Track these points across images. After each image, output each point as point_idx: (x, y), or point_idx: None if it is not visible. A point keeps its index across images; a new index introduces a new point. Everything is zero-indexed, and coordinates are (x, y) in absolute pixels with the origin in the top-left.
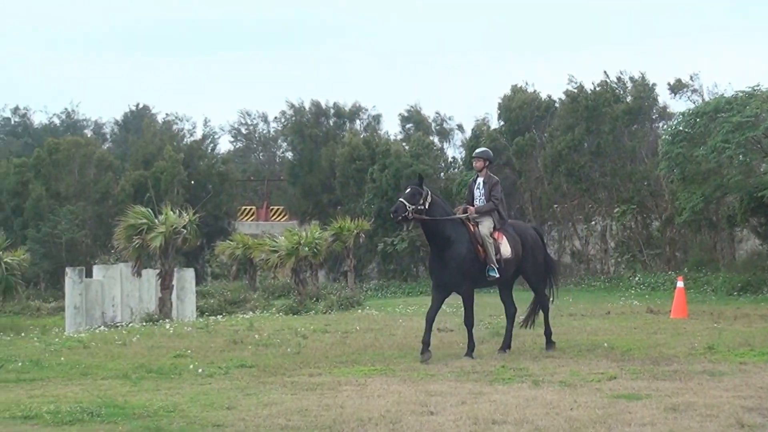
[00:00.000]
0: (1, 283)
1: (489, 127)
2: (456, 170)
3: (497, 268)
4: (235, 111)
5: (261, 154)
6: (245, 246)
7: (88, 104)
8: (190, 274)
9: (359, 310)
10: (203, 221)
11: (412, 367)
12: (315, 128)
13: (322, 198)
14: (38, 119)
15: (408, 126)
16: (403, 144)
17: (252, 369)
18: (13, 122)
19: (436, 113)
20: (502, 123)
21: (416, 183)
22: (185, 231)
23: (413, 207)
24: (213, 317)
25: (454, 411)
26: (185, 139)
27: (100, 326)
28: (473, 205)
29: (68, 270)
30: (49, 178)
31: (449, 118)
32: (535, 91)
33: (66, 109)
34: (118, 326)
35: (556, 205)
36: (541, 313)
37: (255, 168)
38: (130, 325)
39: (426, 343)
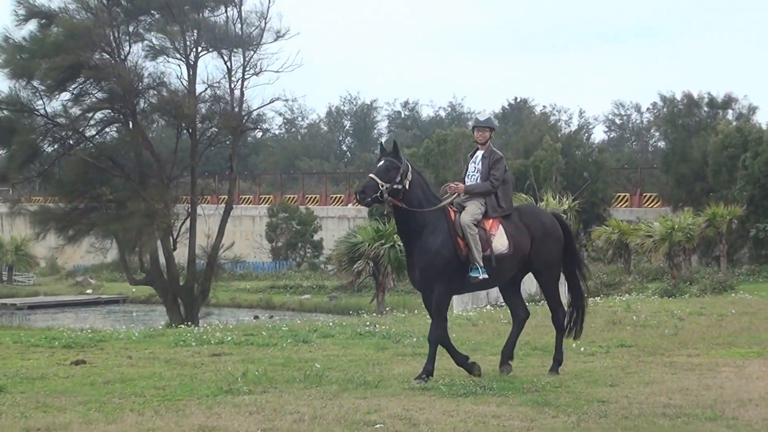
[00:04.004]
0: (395, 263)
1: None
2: None
3: (485, 268)
4: (609, 102)
5: (634, 143)
6: (620, 231)
7: (470, 98)
8: None
9: (732, 294)
10: (581, 207)
11: None
12: (687, 118)
13: (695, 186)
14: (425, 112)
15: None
16: None
17: (631, 348)
18: (403, 115)
19: None
20: None
21: (391, 154)
22: (564, 217)
23: (387, 186)
24: (591, 299)
25: None
26: (562, 130)
27: (485, 305)
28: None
29: None
30: (438, 167)
31: None
32: None
33: (450, 102)
34: (502, 306)
35: None
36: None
37: (628, 157)
38: None
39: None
